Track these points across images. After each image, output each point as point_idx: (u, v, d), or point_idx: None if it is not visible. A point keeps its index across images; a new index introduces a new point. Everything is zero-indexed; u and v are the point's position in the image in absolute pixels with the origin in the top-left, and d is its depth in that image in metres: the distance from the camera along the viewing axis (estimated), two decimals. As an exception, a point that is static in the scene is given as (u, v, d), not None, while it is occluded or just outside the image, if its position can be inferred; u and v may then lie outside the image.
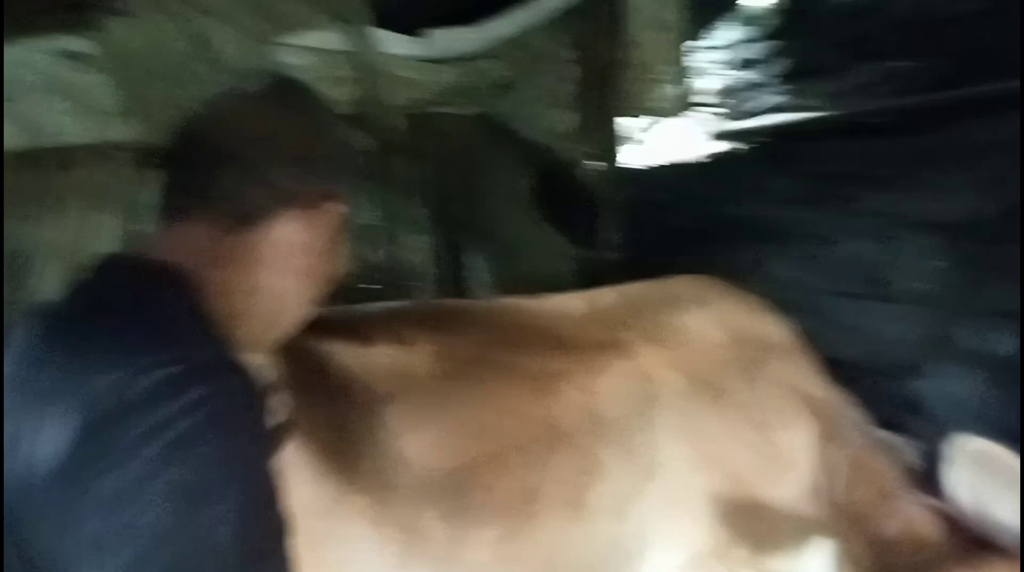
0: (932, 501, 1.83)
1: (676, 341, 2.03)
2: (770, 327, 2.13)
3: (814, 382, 2.04)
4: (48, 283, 2.85)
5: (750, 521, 1.88)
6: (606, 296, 2.22)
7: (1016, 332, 2.40)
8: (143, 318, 0.93)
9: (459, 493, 1.81)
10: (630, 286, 2.28)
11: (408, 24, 3.34)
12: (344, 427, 1.84)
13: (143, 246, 1.09)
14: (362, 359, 2.02)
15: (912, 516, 1.80)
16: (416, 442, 1.83)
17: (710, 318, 2.09)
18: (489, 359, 2.00)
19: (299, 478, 1.75)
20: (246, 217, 1.07)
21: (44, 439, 0.80)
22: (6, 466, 0.85)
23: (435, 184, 3.96)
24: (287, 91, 1.16)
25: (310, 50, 3.12)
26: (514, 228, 4.04)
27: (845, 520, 1.88)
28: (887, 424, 2.63)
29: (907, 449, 2.12)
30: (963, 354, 2.62)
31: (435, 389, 1.94)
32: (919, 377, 2.76)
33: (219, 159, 1.06)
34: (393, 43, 3.34)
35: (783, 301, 2.23)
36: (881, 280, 2.96)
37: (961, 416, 2.57)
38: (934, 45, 2.98)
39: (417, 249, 3.81)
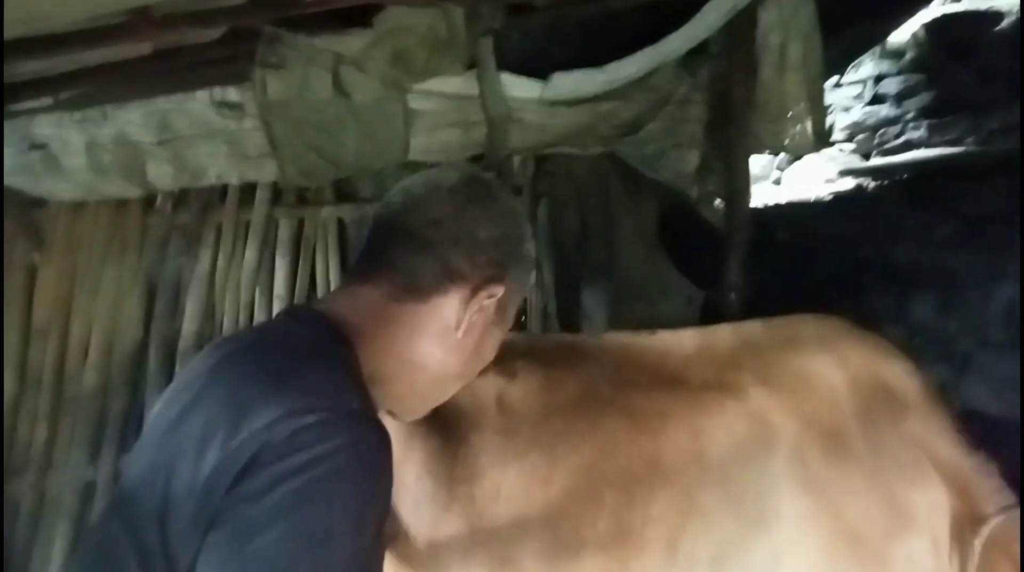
0: None
1: (793, 385, 1.92)
2: (901, 376, 1.96)
3: (947, 442, 1.87)
4: (194, 312, 3.10)
5: None
6: (720, 334, 2.15)
7: None
8: (309, 365, 0.98)
9: (554, 529, 1.80)
10: (747, 324, 2.19)
11: (535, 68, 3.43)
12: (446, 453, 1.89)
13: (325, 300, 1.19)
14: (470, 388, 2.07)
15: None
16: (515, 474, 1.84)
17: (832, 362, 1.95)
18: (594, 394, 1.99)
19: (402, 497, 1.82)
20: (419, 289, 1.15)
21: (202, 463, 0.88)
22: (166, 480, 0.92)
23: (557, 222, 4.01)
24: (475, 185, 1.22)
25: (441, 95, 3.26)
26: (636, 267, 4.01)
27: None
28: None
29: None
30: None
31: (538, 422, 1.95)
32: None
33: (405, 236, 1.16)
34: (520, 87, 3.43)
35: (925, 350, 2.09)
36: (1037, 329, 2.73)
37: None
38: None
39: (531, 285, 3.85)
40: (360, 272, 1.19)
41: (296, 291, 3.34)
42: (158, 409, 1.07)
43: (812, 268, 3.58)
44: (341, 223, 3.51)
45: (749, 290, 3.66)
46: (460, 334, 1.18)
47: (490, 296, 1.17)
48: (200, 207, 3.09)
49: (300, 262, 3.37)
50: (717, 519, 1.80)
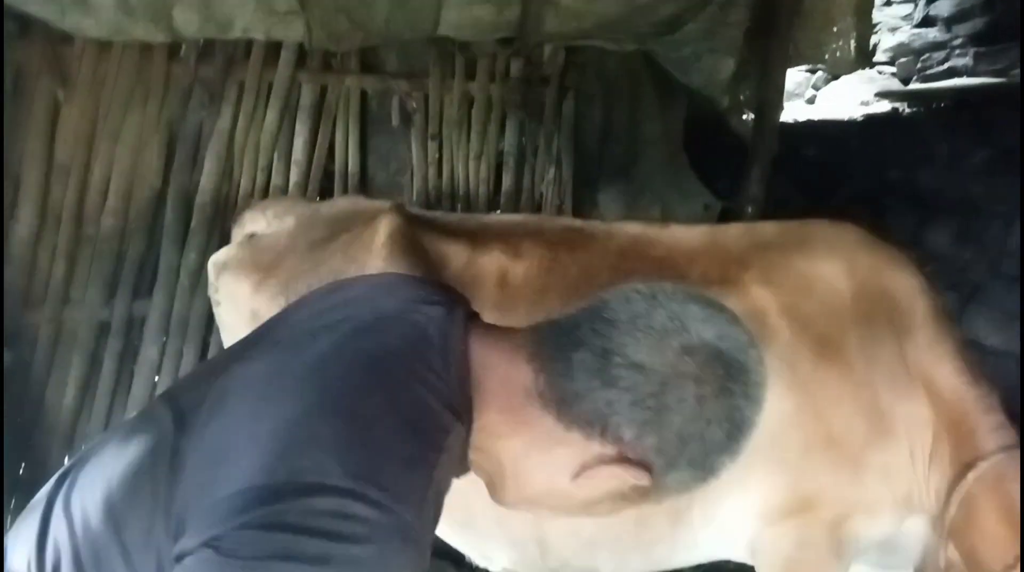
0: None
1: (796, 287, 1.92)
2: (910, 292, 1.91)
3: (948, 369, 1.81)
4: (212, 168, 3.12)
5: (838, 485, 1.81)
6: (731, 231, 2.14)
7: None
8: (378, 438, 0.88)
9: None
10: (761, 224, 2.17)
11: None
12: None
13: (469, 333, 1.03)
14: (474, 264, 2.10)
15: None
16: None
17: (841, 269, 1.92)
18: (593, 279, 2.02)
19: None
20: (569, 414, 0.95)
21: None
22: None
23: (582, 118, 3.95)
24: (733, 379, 0.94)
25: (477, -29, 3.17)
26: (657, 169, 3.97)
27: (953, 539, 1.73)
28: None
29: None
30: None
31: (535, 301, 1.99)
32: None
33: (604, 354, 0.94)
34: (560, -30, 3.31)
35: (936, 277, 2.07)
36: (1051, 267, 2.70)
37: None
38: None
39: (549, 180, 3.83)
40: (535, 351, 0.98)
41: (314, 160, 3.35)
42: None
43: (836, 187, 3.53)
44: (364, 95, 3.47)
45: (769, 204, 3.63)
46: (574, 487, 0.97)
47: (634, 481, 0.94)
48: (224, 61, 3.06)
49: (320, 130, 3.36)
50: None
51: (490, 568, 2.19)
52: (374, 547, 0.79)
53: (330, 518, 0.79)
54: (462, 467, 1.01)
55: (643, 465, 0.93)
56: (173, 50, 2.97)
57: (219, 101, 3.09)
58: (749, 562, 1.94)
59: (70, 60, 2.78)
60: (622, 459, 0.93)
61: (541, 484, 0.99)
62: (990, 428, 1.68)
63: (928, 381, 1.81)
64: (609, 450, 0.94)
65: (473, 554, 2.17)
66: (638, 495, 0.98)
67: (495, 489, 1.05)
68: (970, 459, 1.66)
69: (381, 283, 1.18)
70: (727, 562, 2.96)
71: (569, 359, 0.94)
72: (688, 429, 0.92)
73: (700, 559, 2.09)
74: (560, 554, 2.00)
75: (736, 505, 1.88)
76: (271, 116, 3.19)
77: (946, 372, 1.77)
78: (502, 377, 0.98)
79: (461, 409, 0.96)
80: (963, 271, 2.97)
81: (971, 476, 1.63)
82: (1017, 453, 1.63)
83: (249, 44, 3.10)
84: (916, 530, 1.83)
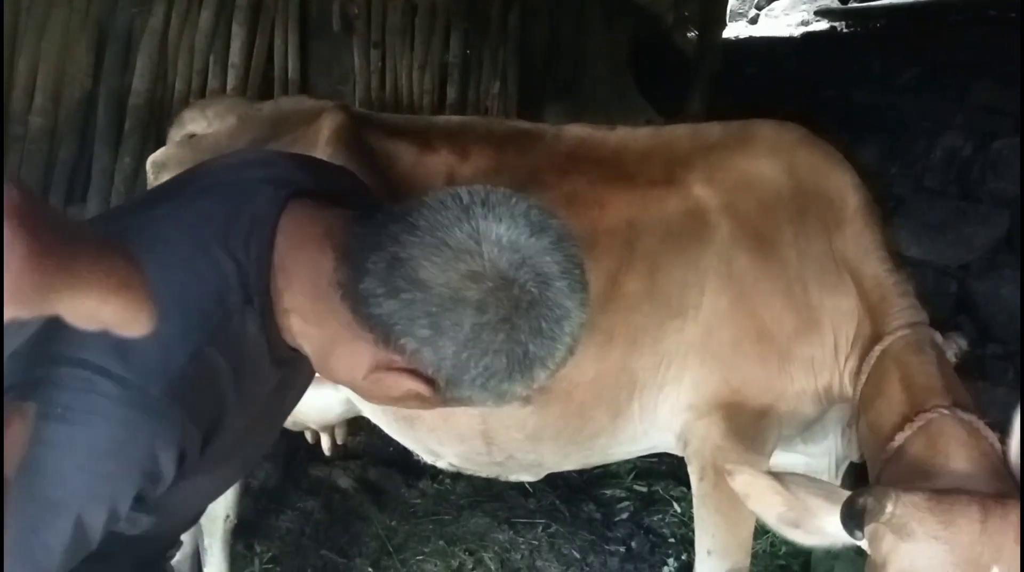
0: (969, 417, 1.55)
1: (737, 186, 1.97)
2: (843, 188, 1.97)
3: (873, 258, 1.89)
4: (145, 69, 3.01)
5: (765, 377, 1.91)
6: (678, 132, 2.17)
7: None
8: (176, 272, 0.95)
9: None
10: (707, 125, 2.20)
11: None
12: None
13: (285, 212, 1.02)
14: (422, 164, 2.09)
15: (938, 430, 1.53)
16: None
17: (780, 168, 1.98)
18: (540, 181, 2.04)
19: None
20: (361, 312, 0.95)
21: None
22: None
23: (528, 32, 3.91)
24: (520, 309, 0.93)
25: None
26: (601, 85, 3.98)
27: (860, 407, 1.84)
28: (935, 322, 2.59)
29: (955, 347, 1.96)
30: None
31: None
32: (981, 279, 2.69)
33: (396, 261, 0.93)
34: None
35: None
36: (973, 179, 2.84)
37: (1007, 320, 2.51)
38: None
39: (494, 94, 3.81)
40: (342, 243, 0.99)
41: (252, 64, 3.25)
42: None
43: (774, 104, 3.60)
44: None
45: (710, 119, 3.67)
46: (364, 381, 1.00)
47: (413, 386, 0.96)
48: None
49: (258, 33, 3.25)
50: (637, 305, 1.93)
51: (437, 464, 2.25)
52: (110, 421, 0.86)
53: (72, 393, 0.85)
54: (274, 345, 1.02)
55: (425, 378, 0.94)
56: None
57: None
58: (679, 453, 2.05)
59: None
60: (406, 369, 0.95)
61: (343, 375, 1.02)
62: (901, 308, 1.78)
63: (853, 270, 1.88)
64: (395, 357, 0.94)
65: (420, 450, 2.22)
66: (435, 401, 1.00)
67: (318, 368, 1.08)
68: (880, 334, 1.77)
69: (248, 159, 1.20)
70: (660, 461, 3.15)
71: (365, 259, 0.94)
72: (464, 354, 0.92)
73: (640, 451, 2.19)
74: (505, 448, 2.07)
75: (671, 397, 1.97)
76: (206, 16, 3.08)
77: (870, 261, 1.86)
78: (309, 261, 0.99)
79: (255, 290, 0.97)
80: (889, 185, 3.10)
81: (878, 348, 1.73)
82: (924, 330, 1.73)
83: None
84: (837, 415, 1.95)
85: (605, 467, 3.22)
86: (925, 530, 1.23)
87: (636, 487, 3.21)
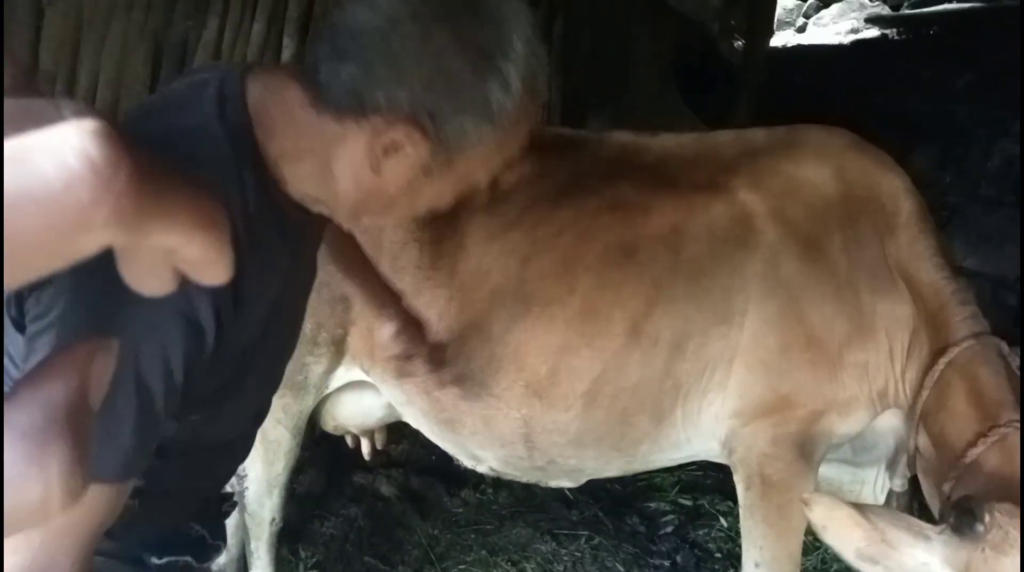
0: None
1: (783, 190, 1.95)
2: (896, 193, 1.94)
3: (929, 265, 1.85)
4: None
5: (815, 383, 1.87)
6: (722, 138, 2.16)
7: None
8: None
9: (526, 302, 1.92)
10: (751, 131, 2.19)
11: None
12: (433, 227, 1.97)
13: (260, 77, 1.06)
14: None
15: (1013, 445, 1.50)
16: (497, 251, 1.94)
17: (829, 172, 1.96)
18: (583, 185, 2.04)
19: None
20: (332, 104, 0.99)
21: None
22: None
23: (572, 40, 3.92)
24: (461, 23, 0.97)
25: None
26: (645, 95, 3.97)
27: (924, 424, 1.79)
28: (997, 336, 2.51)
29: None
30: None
31: (526, 206, 2.02)
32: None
33: (331, 32, 0.99)
34: None
35: None
36: (1029, 190, 2.76)
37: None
38: None
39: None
40: (300, 66, 1.04)
41: (302, 76, 3.31)
42: None
43: (823, 113, 3.54)
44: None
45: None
46: (378, 175, 1.01)
47: (405, 136, 0.98)
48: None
49: (307, 45, 3.32)
50: (681, 308, 1.91)
51: (478, 469, 2.25)
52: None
53: None
54: (276, 201, 1.04)
55: (413, 124, 0.96)
56: (158, -44, 2.92)
57: (205, 11, 3.04)
58: (725, 461, 2.01)
59: (52, -37, 2.73)
60: (391, 127, 0.97)
61: (353, 189, 1.04)
62: (963, 317, 1.74)
63: (908, 277, 1.85)
64: (378, 124, 0.97)
65: (461, 455, 2.23)
66: (437, 165, 1.01)
67: (332, 212, 1.10)
68: (943, 346, 1.72)
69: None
70: (706, 475, 3.09)
71: (314, 56, 0.99)
72: (425, 70, 0.95)
73: (683, 459, 2.16)
74: (547, 452, 2.06)
75: (716, 403, 1.95)
76: (257, 28, 3.14)
77: (926, 267, 1.83)
78: (280, 102, 1.03)
79: (246, 151, 1.00)
80: (943, 195, 3.03)
81: (942, 361, 1.69)
82: (990, 340, 1.69)
83: (237, -48, 3.05)
84: (889, 424, 1.90)
85: (649, 479, 3.18)
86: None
87: (681, 500, 3.17)
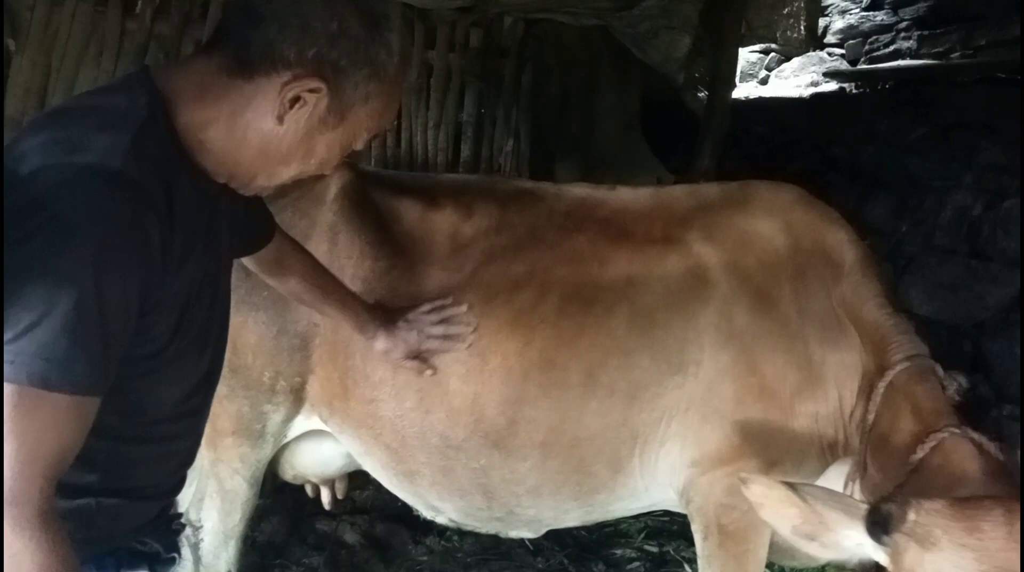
0: (977, 436, 1.61)
1: (736, 243, 2.00)
2: (841, 244, 2.01)
3: (872, 304, 1.90)
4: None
5: (768, 433, 1.90)
6: (676, 193, 2.22)
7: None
8: (96, 132, 1.06)
9: (482, 356, 1.94)
10: (704, 186, 2.25)
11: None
12: (390, 277, 2.00)
13: (167, 67, 1.23)
14: (426, 220, 2.14)
15: (951, 448, 1.58)
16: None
17: (778, 226, 2.02)
18: (541, 238, 2.08)
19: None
20: (244, 65, 1.12)
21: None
22: None
23: (540, 90, 4.00)
24: None
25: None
26: (612, 142, 4.05)
27: (869, 444, 1.83)
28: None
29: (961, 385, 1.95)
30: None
31: (484, 261, 2.05)
32: (995, 338, 2.66)
33: (244, 4, 1.13)
34: (519, -58, 3.35)
35: (876, 249, 2.18)
36: (983, 238, 2.83)
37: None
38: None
39: (507, 151, 3.89)
40: (207, 41, 1.18)
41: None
42: None
43: (783, 163, 3.65)
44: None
45: (719, 178, 3.72)
46: (281, 125, 1.14)
47: (310, 90, 1.12)
48: (180, 18, 3.05)
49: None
50: (637, 359, 1.93)
51: (437, 519, 2.24)
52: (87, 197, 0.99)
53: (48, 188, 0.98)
54: (194, 174, 1.15)
55: (312, 75, 1.11)
56: (129, 5, 2.96)
57: (175, 59, 3.08)
58: (682, 510, 2.02)
59: (22, 10, 2.75)
60: (295, 77, 1.11)
61: (256, 142, 1.16)
62: (900, 343, 1.79)
63: (854, 318, 1.90)
64: (287, 78, 1.11)
65: (420, 506, 2.22)
66: (337, 114, 1.17)
67: (231, 177, 1.21)
68: (883, 370, 1.77)
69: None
70: (672, 521, 3.09)
71: (226, 24, 1.14)
72: (330, 28, 1.11)
73: (641, 508, 2.17)
74: (505, 503, 2.06)
75: (673, 453, 1.96)
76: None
77: (868, 307, 1.88)
78: (195, 74, 1.14)
79: (158, 125, 1.09)
80: (899, 244, 3.10)
81: (881, 384, 1.75)
82: (925, 360, 1.75)
83: (206, 2, 3.10)
84: (838, 473, 1.92)
85: (616, 526, 3.17)
86: (951, 538, 1.19)
87: (647, 547, 3.15)
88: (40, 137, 1.04)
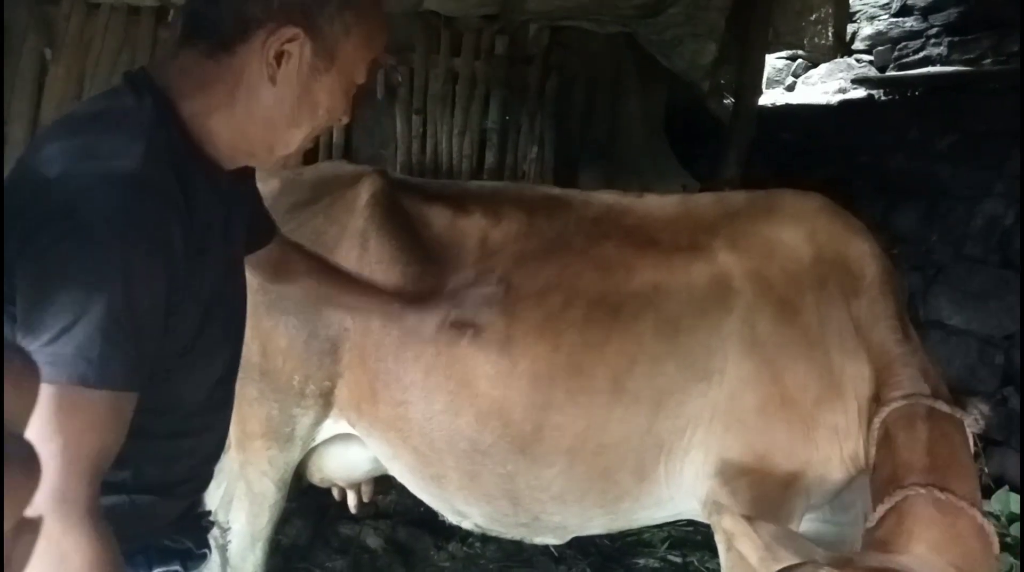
0: (945, 496, 1.53)
1: (760, 252, 1.99)
2: (862, 258, 1.99)
3: (883, 327, 1.90)
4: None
5: (791, 443, 1.89)
6: (703, 200, 2.22)
7: None
8: (106, 135, 1.08)
9: (511, 358, 1.94)
10: (731, 194, 2.25)
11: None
12: (423, 282, 2.01)
13: (162, 64, 1.19)
14: (455, 227, 2.16)
15: (908, 509, 1.52)
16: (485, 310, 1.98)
17: (803, 236, 2.01)
18: (568, 244, 2.09)
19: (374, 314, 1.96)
20: (222, 41, 1.14)
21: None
22: None
23: (565, 97, 4.01)
24: None
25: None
26: (636, 149, 4.05)
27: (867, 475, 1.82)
28: (979, 391, 2.55)
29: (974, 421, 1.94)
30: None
31: (513, 265, 2.06)
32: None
33: None
34: (545, -50, 3.36)
35: (903, 258, 2.16)
36: (1014, 248, 2.79)
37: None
38: None
39: (531, 159, 3.90)
40: (184, 33, 1.19)
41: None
42: None
43: (810, 170, 3.62)
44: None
45: (745, 186, 3.70)
46: (275, 86, 1.15)
47: (290, 39, 1.13)
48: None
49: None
50: (663, 367, 1.93)
51: (463, 525, 2.25)
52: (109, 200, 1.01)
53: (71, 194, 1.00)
54: (206, 163, 1.17)
55: (284, 25, 1.12)
56: (161, 14, 3.00)
57: (167, 55, 3.12)
58: (706, 520, 2.01)
59: (57, 19, 2.81)
60: (270, 32, 1.12)
61: (261, 112, 1.17)
62: (901, 377, 1.77)
63: (864, 337, 1.89)
64: (262, 36, 1.12)
65: (446, 511, 2.23)
66: (326, 54, 1.17)
67: (250, 155, 1.23)
68: (882, 405, 1.76)
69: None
70: (696, 531, 3.08)
71: (190, 7, 1.17)
72: None
73: (665, 517, 2.16)
74: (531, 509, 2.07)
75: (697, 462, 1.95)
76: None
77: (879, 328, 1.86)
78: (181, 68, 1.15)
79: (163, 120, 1.11)
80: (928, 253, 3.07)
81: (876, 420, 1.73)
82: (919, 401, 1.71)
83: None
84: (863, 485, 1.90)
85: (639, 535, 3.16)
86: None
87: (671, 557, 3.14)
88: (56, 145, 1.06)
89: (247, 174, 1.35)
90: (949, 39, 3.51)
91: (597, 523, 2.13)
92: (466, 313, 1.87)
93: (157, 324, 1.05)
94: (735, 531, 1.39)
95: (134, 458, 1.12)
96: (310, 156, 3.42)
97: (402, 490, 2.88)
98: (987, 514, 1.46)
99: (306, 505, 3.02)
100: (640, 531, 3.11)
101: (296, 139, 1.24)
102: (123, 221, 1.00)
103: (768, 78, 4.07)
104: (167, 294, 1.06)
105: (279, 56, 1.13)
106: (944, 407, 1.67)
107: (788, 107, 4.03)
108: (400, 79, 3.62)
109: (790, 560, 1.33)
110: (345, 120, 1.31)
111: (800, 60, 4.65)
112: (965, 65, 3.26)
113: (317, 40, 1.15)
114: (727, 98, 3.95)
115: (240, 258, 1.38)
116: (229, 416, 1.41)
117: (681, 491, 1.99)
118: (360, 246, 2.05)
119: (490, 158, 3.82)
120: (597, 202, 2.23)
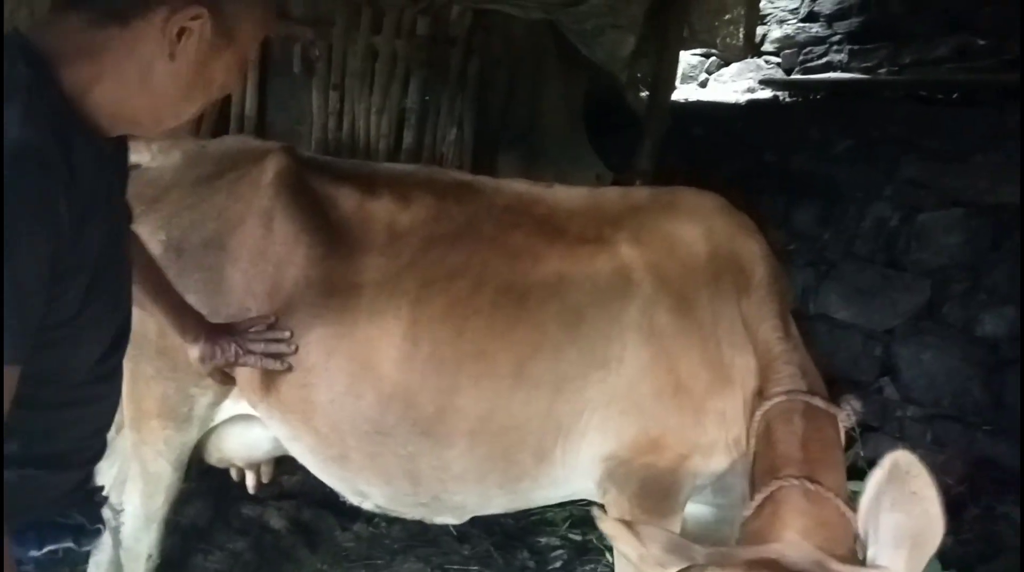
0: (814, 488, 1.60)
1: (660, 247, 2.08)
2: (753, 257, 2.09)
3: (768, 325, 1.98)
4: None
5: (682, 428, 1.97)
6: (609, 194, 2.29)
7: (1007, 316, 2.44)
8: None
9: (415, 343, 1.97)
10: (636, 189, 2.33)
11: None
12: (326, 264, 2.01)
13: (42, 26, 1.18)
14: (363, 209, 2.15)
15: (782, 498, 1.58)
16: (389, 293, 2.00)
17: (700, 233, 2.10)
18: (477, 231, 2.11)
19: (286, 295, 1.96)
20: (116, 13, 1.12)
21: None
22: None
23: (486, 81, 4.01)
24: None
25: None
26: (555, 136, 4.10)
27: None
28: (861, 380, 2.73)
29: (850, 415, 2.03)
30: (947, 328, 2.66)
31: (421, 249, 2.07)
32: (904, 344, 2.81)
33: None
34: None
35: (799, 254, 2.29)
36: (898, 248, 2.99)
37: (928, 385, 2.63)
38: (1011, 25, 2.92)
39: (450, 141, 3.89)
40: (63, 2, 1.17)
41: (210, 100, 3.29)
42: None
43: (719, 165, 3.75)
44: (266, 38, 3.42)
45: (656, 178, 3.82)
46: (173, 61, 1.15)
47: (194, 17, 1.12)
48: None
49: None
50: (565, 353, 1.99)
51: (364, 505, 2.26)
52: None
53: None
54: (88, 131, 1.14)
55: (188, 3, 1.12)
56: None
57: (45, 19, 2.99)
58: (600, 500, 2.09)
59: None
60: (173, 10, 1.12)
61: (155, 84, 1.17)
62: (781, 375, 1.85)
63: (751, 334, 1.98)
64: (163, 13, 1.12)
65: (347, 491, 2.23)
66: (225, 33, 1.18)
67: (136, 124, 1.22)
68: (763, 399, 1.84)
69: None
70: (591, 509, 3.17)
71: None
72: None
73: (562, 496, 2.23)
74: (431, 489, 2.10)
75: (595, 444, 2.02)
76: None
77: (764, 328, 1.96)
78: (61, 34, 1.13)
79: (44, 89, 1.08)
80: (822, 250, 3.23)
81: (758, 413, 1.82)
82: (796, 398, 1.79)
83: None
84: (743, 470, 2.01)
85: (541, 515, 3.24)
86: None
87: (571, 536, 3.23)
88: None
89: (123, 143, 1.32)
90: (850, 47, 3.70)
91: (496, 503, 2.18)
92: (247, 366, 1.89)
93: (41, 295, 1.03)
94: (614, 534, 1.44)
95: (21, 431, 1.09)
96: (220, 128, 3.33)
97: (308, 471, 2.88)
98: (854, 495, 1.53)
99: (207, 485, 2.97)
100: (542, 511, 3.19)
101: (187, 112, 1.24)
102: (2, 189, 0.97)
103: (683, 73, 4.19)
104: (52, 262, 1.03)
105: (180, 32, 1.13)
106: (820, 403, 1.77)
107: (700, 103, 4.16)
108: (318, 54, 3.55)
109: (674, 562, 1.38)
110: (232, 91, 1.33)
111: (713, 58, 4.81)
112: (862, 73, 3.44)
113: (218, 19, 1.15)
114: (643, 91, 4.04)
115: (124, 227, 1.36)
116: (119, 387, 1.39)
117: (577, 472, 2.07)
118: (264, 226, 2.03)
119: (408, 138, 3.79)
120: (508, 190, 2.26)
